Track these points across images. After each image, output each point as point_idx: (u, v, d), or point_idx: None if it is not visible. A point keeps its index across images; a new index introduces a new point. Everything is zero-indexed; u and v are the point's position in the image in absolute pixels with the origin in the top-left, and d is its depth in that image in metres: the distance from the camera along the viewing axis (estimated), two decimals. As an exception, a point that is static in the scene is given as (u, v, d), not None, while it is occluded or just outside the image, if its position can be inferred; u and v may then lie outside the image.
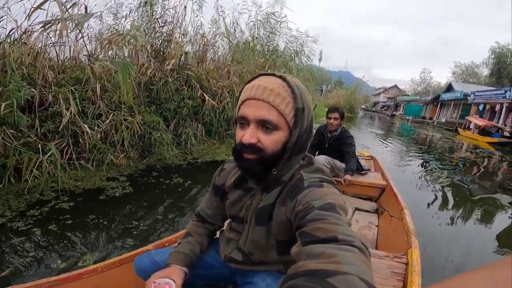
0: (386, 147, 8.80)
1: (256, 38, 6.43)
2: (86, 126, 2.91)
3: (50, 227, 2.03)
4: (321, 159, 2.54)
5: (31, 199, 2.35)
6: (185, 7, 4.91)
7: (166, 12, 4.68)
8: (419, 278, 1.15)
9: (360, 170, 2.88)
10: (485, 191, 4.70)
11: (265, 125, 0.64)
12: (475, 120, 15.57)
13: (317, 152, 2.84)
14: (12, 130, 2.43)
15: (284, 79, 0.66)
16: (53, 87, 2.84)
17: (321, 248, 0.44)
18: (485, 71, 33.73)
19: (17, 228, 1.97)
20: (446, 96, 25.50)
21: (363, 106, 49.09)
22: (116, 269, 1.12)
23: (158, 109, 4.20)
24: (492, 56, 30.11)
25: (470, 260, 2.33)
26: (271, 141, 0.64)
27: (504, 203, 4.05)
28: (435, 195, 4.04)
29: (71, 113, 2.74)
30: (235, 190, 0.80)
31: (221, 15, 5.63)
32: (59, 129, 2.73)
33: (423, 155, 8.16)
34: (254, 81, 0.67)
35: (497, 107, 17.54)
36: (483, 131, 14.15)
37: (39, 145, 2.49)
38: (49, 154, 2.49)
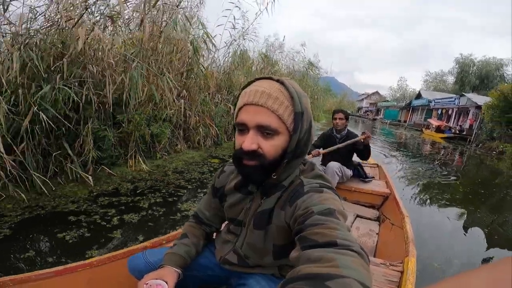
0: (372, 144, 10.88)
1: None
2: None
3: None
4: (334, 167, 2.54)
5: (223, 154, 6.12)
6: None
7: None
8: (412, 287, 1.14)
9: (364, 177, 2.89)
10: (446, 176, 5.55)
11: (265, 131, 0.63)
12: (433, 122, 20.39)
13: (321, 151, 2.79)
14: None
15: (282, 83, 0.65)
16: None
17: (320, 253, 0.44)
18: (451, 79, 35.97)
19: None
20: (416, 102, 29.22)
21: (348, 112, 50.94)
22: (110, 264, 1.12)
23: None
24: (457, 66, 32.36)
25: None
26: (271, 147, 0.64)
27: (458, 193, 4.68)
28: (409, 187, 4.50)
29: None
30: (234, 192, 0.80)
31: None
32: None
33: (400, 149, 9.90)
34: (251, 86, 0.66)
35: (450, 111, 22.13)
36: (438, 130, 18.74)
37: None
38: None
